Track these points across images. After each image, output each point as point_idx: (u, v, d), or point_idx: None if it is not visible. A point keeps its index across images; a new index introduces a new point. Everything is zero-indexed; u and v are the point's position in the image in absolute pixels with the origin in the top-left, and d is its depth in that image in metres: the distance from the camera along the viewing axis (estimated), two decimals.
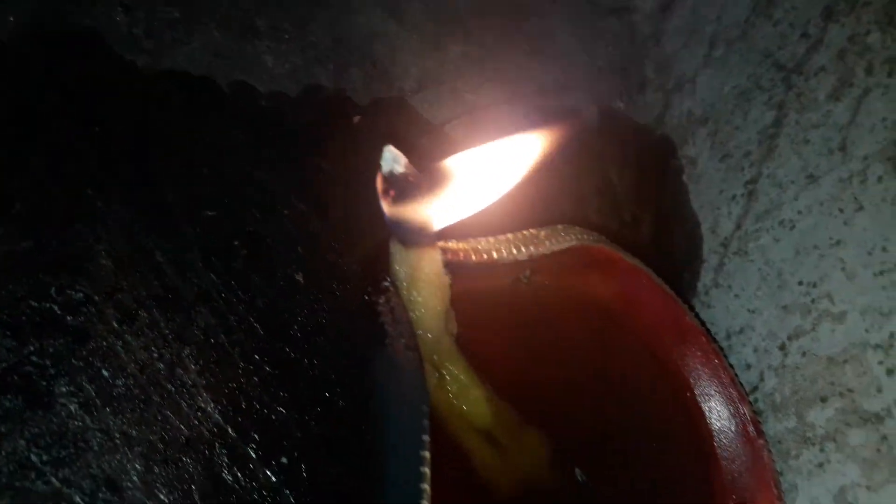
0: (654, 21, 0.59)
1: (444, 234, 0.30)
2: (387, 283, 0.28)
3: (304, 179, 0.38)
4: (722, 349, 0.40)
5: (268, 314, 0.34)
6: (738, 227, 0.48)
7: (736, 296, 0.46)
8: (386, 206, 0.27)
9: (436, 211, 0.27)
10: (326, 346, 0.34)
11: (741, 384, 0.38)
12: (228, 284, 0.34)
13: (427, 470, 0.25)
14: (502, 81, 0.51)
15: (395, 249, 0.28)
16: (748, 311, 0.45)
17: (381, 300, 0.28)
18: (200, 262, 0.34)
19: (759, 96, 0.49)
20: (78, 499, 0.28)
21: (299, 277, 0.36)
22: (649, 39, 0.59)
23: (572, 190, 0.51)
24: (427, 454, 0.25)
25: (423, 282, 0.28)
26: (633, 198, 0.56)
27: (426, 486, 0.25)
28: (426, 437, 0.25)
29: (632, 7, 0.60)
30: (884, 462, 0.35)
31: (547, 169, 0.54)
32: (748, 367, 0.44)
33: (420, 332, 0.29)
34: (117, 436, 0.29)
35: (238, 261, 0.35)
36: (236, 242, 0.35)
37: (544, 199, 0.47)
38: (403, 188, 0.27)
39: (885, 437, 0.35)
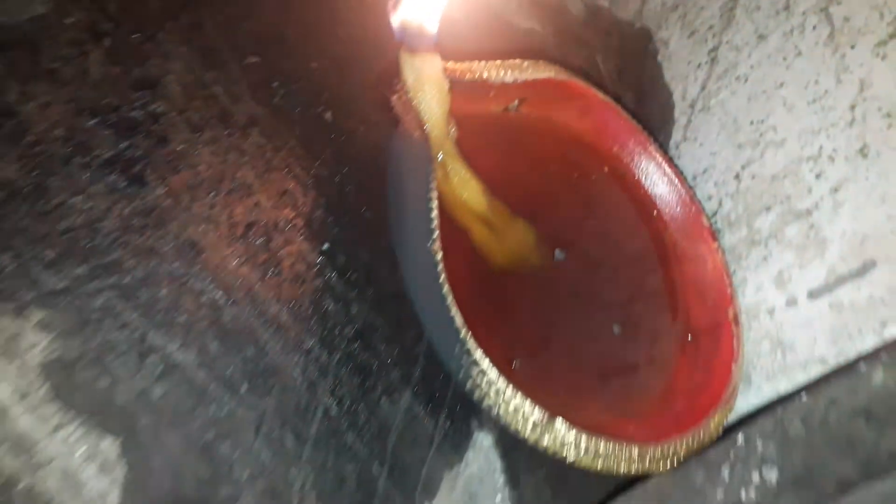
0: None
1: (443, 52, 0.37)
2: (398, 85, 0.36)
3: (324, 26, 0.46)
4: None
5: (305, 139, 0.42)
6: (703, 88, 0.55)
7: (701, 144, 0.54)
8: (393, 18, 0.35)
9: (428, 14, 0.35)
10: (353, 153, 0.42)
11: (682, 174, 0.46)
12: (271, 114, 0.42)
13: (435, 209, 0.33)
14: None
15: (404, 58, 0.36)
16: (710, 154, 0.53)
17: (395, 98, 0.36)
18: (248, 94, 0.42)
19: None
20: (167, 265, 0.36)
21: (328, 116, 0.44)
22: None
23: (561, 67, 0.59)
24: (434, 198, 0.33)
25: (427, 84, 0.36)
26: (616, 79, 0.63)
27: (435, 223, 0.33)
28: (433, 188, 0.33)
29: None
30: (811, 244, 0.43)
31: (536, 50, 0.61)
32: (710, 197, 0.51)
33: (426, 126, 0.36)
34: (194, 211, 0.37)
35: (277, 98, 0.43)
36: (274, 84, 0.43)
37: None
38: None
39: (812, 226, 0.43)
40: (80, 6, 0.38)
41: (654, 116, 0.60)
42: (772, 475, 0.33)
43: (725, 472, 0.34)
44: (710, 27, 0.56)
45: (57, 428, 0.31)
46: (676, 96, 0.58)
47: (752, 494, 0.33)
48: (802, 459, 0.32)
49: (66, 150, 0.35)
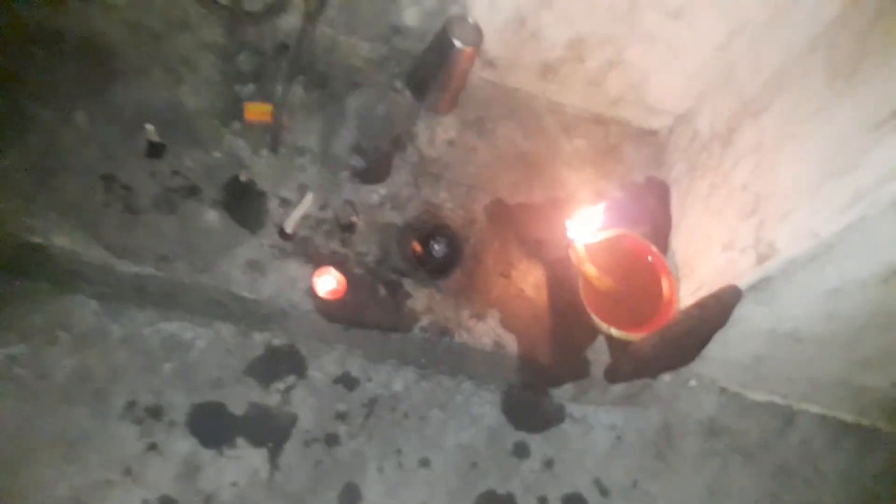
0: None
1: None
2: (573, 247, 1.32)
3: None
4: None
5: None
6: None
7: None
8: (570, 235, 1.31)
9: (583, 233, 1.31)
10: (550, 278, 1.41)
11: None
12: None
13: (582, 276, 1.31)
14: None
15: (575, 242, 1.32)
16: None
17: (570, 252, 1.33)
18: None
19: None
20: None
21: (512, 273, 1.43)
22: None
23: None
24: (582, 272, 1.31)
25: (582, 249, 1.32)
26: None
27: (582, 280, 1.31)
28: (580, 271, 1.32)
29: None
30: None
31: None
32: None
33: (579, 253, 1.34)
34: None
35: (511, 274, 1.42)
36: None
37: None
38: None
39: None
40: None
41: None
42: None
43: None
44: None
45: None
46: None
47: None
48: None
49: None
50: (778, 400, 1.55)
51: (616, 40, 1.44)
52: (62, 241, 1.19)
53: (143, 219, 1.24)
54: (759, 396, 1.54)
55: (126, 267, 1.22)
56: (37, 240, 1.18)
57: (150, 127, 1.26)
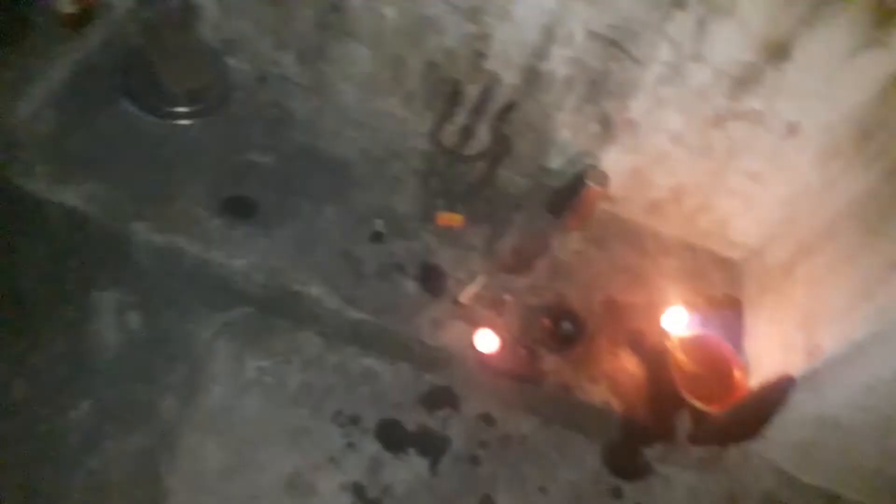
0: None
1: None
2: (667, 337, 1.78)
3: None
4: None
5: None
6: None
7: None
8: (665, 329, 1.78)
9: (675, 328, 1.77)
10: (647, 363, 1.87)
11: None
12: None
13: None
14: None
15: (669, 334, 1.78)
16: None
17: (665, 341, 1.79)
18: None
19: None
20: None
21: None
22: None
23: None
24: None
25: (674, 340, 1.78)
26: None
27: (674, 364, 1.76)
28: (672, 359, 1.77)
29: None
30: None
31: None
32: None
33: (676, 347, 1.79)
34: None
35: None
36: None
37: None
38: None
39: None
40: None
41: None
42: None
43: None
44: None
45: None
46: None
47: None
48: None
49: None
50: (824, 484, 1.90)
51: (707, 191, 1.97)
52: (315, 290, 1.75)
53: (367, 282, 1.79)
54: (809, 479, 1.90)
55: (352, 314, 1.75)
56: (298, 288, 1.75)
57: (379, 221, 1.84)
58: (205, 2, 1.86)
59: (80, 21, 1.84)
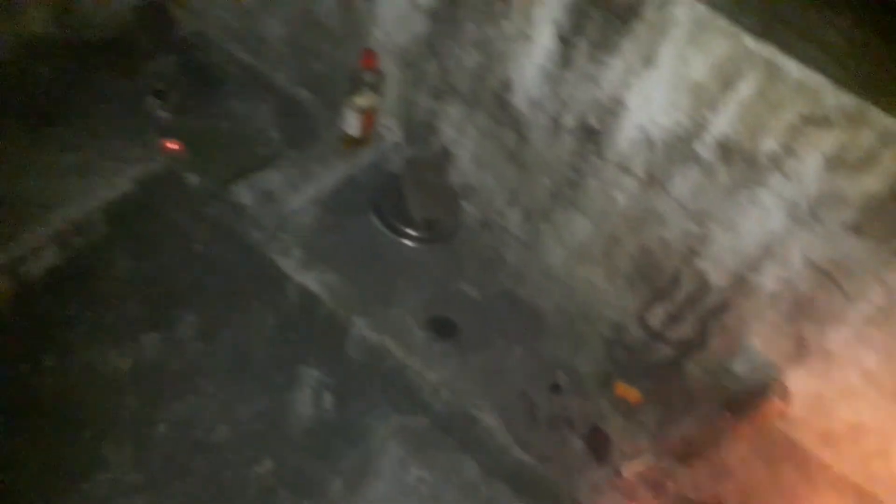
0: None
1: None
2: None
3: None
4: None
5: None
6: None
7: None
8: None
9: None
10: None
11: None
12: None
13: None
14: None
15: None
16: None
17: None
18: None
19: None
20: None
21: None
22: None
23: None
24: None
25: None
26: None
27: None
28: None
29: None
30: None
31: None
32: None
33: None
34: None
35: None
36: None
37: None
38: None
39: None
40: None
41: None
42: None
43: None
44: None
45: None
46: None
47: None
48: None
49: None
50: None
51: (890, 438, 1.94)
52: (489, 420, 1.88)
53: (538, 428, 1.89)
54: None
55: (516, 453, 1.85)
56: (475, 413, 1.88)
57: (560, 373, 1.97)
58: (461, 153, 2.18)
59: (357, 144, 2.22)
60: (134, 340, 1.92)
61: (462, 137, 2.14)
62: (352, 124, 2.11)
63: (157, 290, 2.02)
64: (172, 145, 2.09)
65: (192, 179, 2.09)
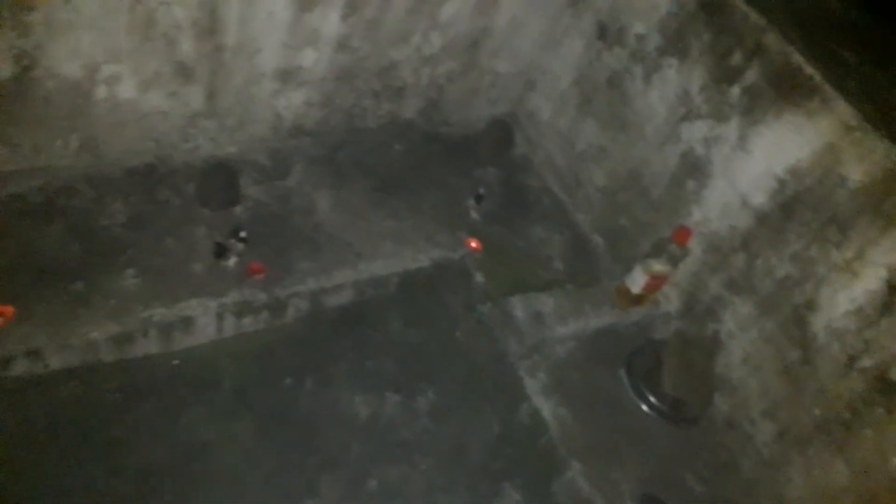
0: None
1: None
2: None
3: None
4: None
5: None
6: None
7: None
8: None
9: None
10: None
11: None
12: None
13: None
14: None
15: None
16: None
17: None
18: None
19: None
20: None
21: None
22: None
23: None
24: None
25: None
26: None
27: None
28: None
29: None
30: None
31: None
32: None
33: None
34: None
35: None
36: None
37: None
38: None
39: None
40: None
41: None
42: None
43: None
44: None
45: None
46: None
47: None
48: None
49: None
50: None
51: None
52: None
53: None
54: None
55: None
56: None
57: None
58: (734, 347, 2.15)
59: (633, 302, 2.28)
60: (380, 395, 2.12)
61: (742, 333, 2.11)
62: (637, 283, 2.19)
63: (412, 357, 2.23)
64: (474, 244, 2.35)
65: (479, 278, 2.31)
